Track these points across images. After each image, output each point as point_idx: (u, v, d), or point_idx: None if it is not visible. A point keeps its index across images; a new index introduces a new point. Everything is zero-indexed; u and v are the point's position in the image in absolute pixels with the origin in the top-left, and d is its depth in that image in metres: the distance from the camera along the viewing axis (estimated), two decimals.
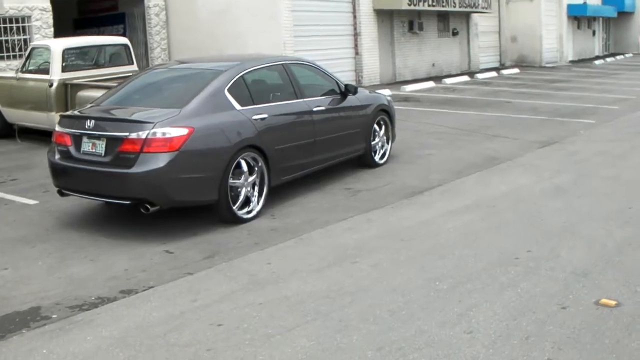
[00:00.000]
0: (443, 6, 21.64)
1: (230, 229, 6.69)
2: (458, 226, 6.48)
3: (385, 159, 9.49)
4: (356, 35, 19.43)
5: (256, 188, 7.07)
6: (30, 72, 11.48)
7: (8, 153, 11.21)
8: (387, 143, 9.56)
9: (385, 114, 9.43)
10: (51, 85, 10.98)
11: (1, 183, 9.18)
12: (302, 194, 7.89)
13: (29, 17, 15.32)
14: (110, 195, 6.53)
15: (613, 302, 4.55)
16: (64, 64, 11.07)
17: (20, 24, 15.29)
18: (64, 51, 11.10)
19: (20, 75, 11.49)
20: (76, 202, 7.57)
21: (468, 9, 23.61)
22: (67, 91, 10.98)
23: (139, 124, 6.29)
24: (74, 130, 6.69)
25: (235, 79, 7.07)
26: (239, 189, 6.85)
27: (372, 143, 9.17)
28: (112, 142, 6.37)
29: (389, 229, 6.53)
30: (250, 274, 5.48)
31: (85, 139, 6.59)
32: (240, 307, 4.80)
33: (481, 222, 6.60)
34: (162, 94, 7.11)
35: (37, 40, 13.40)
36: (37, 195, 8.30)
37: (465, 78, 22.42)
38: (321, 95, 8.36)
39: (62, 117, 7.01)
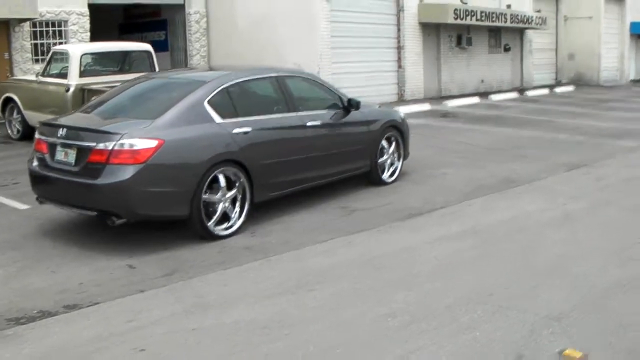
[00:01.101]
0: (493, 21, 20.93)
1: (203, 245, 6.38)
2: (442, 254, 5.98)
3: (394, 177, 9.01)
4: (399, 48, 18.95)
5: (237, 204, 6.72)
6: (51, 76, 11.50)
7: (24, 155, 11.18)
8: (398, 160, 9.08)
9: (395, 130, 8.96)
10: (68, 90, 10.93)
11: (3, 186, 9.14)
12: (292, 212, 7.50)
13: (66, 21, 15.48)
14: (79, 206, 6.32)
15: (578, 355, 3.95)
16: (82, 69, 11.00)
17: (57, 28, 15.43)
18: (82, 56, 11.07)
19: (41, 79, 11.53)
20: (64, 210, 7.38)
21: (521, 25, 22.79)
22: (84, 96, 10.91)
23: (107, 134, 6.06)
24: (49, 138, 6.54)
25: (217, 90, 6.76)
26: (216, 205, 6.52)
27: (380, 160, 8.72)
28: (82, 152, 6.18)
29: (366, 254, 6.08)
30: (199, 295, 5.15)
31: (58, 148, 6.42)
32: (172, 331, 4.50)
33: (469, 251, 6.08)
34: (142, 104, 6.86)
35: (59, 45, 13.42)
36: (31, 201, 8.09)
37: (514, 95, 21.63)
38: (321, 110, 7.97)
39: (41, 124, 6.84)
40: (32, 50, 14.74)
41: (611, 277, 5.30)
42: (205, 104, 6.61)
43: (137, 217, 6.18)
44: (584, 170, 9.89)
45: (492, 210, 7.62)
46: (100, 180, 6.00)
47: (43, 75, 11.56)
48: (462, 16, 19.13)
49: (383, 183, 8.80)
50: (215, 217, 6.52)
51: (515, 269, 5.53)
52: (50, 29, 15.34)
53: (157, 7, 19.35)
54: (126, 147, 5.97)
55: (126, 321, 4.69)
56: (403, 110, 16.49)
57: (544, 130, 13.96)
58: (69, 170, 6.28)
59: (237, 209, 6.74)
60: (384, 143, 8.78)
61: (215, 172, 6.47)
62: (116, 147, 5.96)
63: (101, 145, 6.01)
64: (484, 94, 21.12)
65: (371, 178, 8.71)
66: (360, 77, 17.70)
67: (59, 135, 6.40)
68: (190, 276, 5.61)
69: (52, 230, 6.98)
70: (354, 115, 8.25)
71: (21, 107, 11.86)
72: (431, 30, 19.87)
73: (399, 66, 19.04)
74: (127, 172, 5.94)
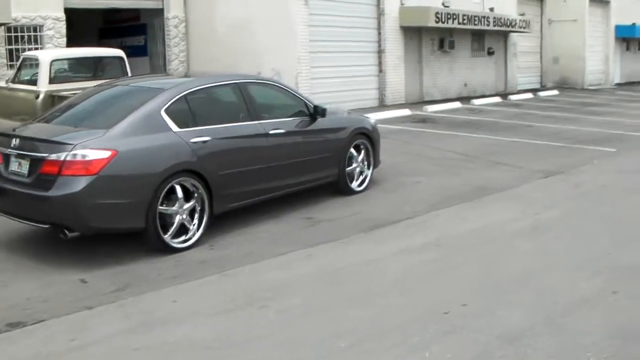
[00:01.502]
0: (475, 24, 20.82)
1: (159, 259, 6.20)
2: (403, 268, 5.82)
3: (364, 186, 8.84)
4: (380, 52, 18.81)
5: (196, 216, 6.54)
6: (22, 82, 11.29)
7: None
8: (368, 169, 8.91)
9: (365, 137, 8.79)
10: (38, 97, 10.72)
11: None
12: (256, 223, 7.32)
13: (42, 26, 15.23)
14: (32, 218, 6.12)
15: None
16: (52, 76, 10.79)
17: (33, 33, 15.20)
18: (52, 62, 10.87)
19: (11, 85, 11.31)
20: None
21: (504, 28, 22.69)
22: (54, 103, 10.69)
23: (59, 145, 5.88)
24: (3, 149, 6.33)
25: (175, 98, 6.58)
26: (173, 217, 6.33)
27: (348, 169, 8.54)
28: (35, 163, 6.01)
29: (326, 267, 5.92)
30: (148, 312, 4.99)
31: (12, 158, 6.24)
32: (112, 351, 4.34)
33: (432, 264, 5.92)
34: (99, 112, 6.66)
35: (30, 51, 13.18)
36: None
37: (497, 99, 21.51)
38: (286, 117, 7.79)
39: None
40: (6, 56, 14.50)
41: (577, 293, 5.13)
42: (162, 112, 6.42)
43: (90, 230, 6.00)
44: (561, 177, 9.76)
45: (461, 220, 7.47)
46: (52, 192, 5.82)
47: (14, 81, 11.37)
48: (443, 19, 19.01)
49: (352, 192, 8.63)
50: (172, 230, 6.34)
51: (477, 284, 5.36)
52: (26, 34, 15.09)
53: (136, 12, 19.14)
54: (78, 158, 5.80)
55: (68, 340, 4.52)
56: (382, 115, 16.39)
57: (524, 136, 13.84)
58: (22, 182, 6.10)
59: (196, 220, 6.56)
60: (353, 151, 8.61)
61: (172, 182, 6.29)
62: (68, 158, 5.78)
63: (53, 156, 5.84)
64: (466, 99, 21.01)
65: (340, 187, 8.54)
66: (340, 81, 17.55)
67: (12, 145, 6.22)
68: (142, 291, 5.44)
69: (8, 242, 6.77)
70: (320, 122, 8.08)
71: None
72: (413, 33, 19.74)
73: (380, 70, 18.90)
74: (79, 184, 5.76)
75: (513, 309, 4.82)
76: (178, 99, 6.62)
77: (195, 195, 6.53)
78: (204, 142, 6.59)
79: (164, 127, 6.37)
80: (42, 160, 5.90)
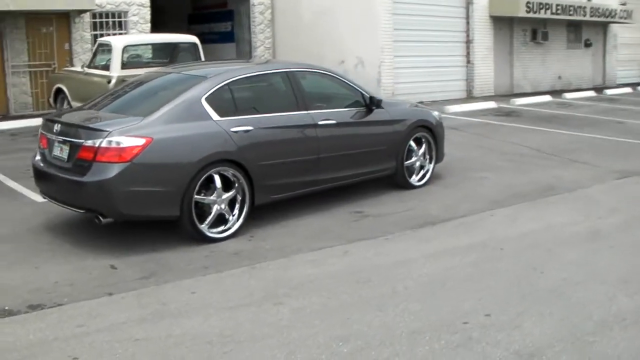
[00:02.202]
0: (570, 15, 19.77)
1: (194, 248, 6.18)
2: (435, 271, 5.52)
3: (424, 180, 8.53)
4: (468, 42, 18.20)
5: (237, 206, 6.47)
6: (96, 67, 11.59)
7: None
8: (430, 163, 8.57)
9: (427, 130, 8.46)
10: (110, 82, 10.98)
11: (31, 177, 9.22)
12: (301, 215, 7.19)
13: (126, 12, 15.64)
14: (69, 203, 6.22)
15: None
16: (124, 61, 11.01)
17: (117, 19, 15.63)
18: (124, 48, 11.08)
19: (87, 70, 11.64)
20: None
21: (603, 19, 21.45)
22: None
23: (95, 131, 5.94)
24: (47, 133, 6.48)
25: (217, 87, 6.51)
26: (210, 206, 6.28)
27: (407, 162, 8.25)
28: (73, 148, 6.11)
29: (357, 265, 5.71)
30: (163, 302, 4.96)
31: (56, 143, 6.35)
32: (115, 340, 4.31)
33: (467, 268, 5.58)
34: (142, 100, 6.68)
35: (104, 37, 13.53)
36: None
37: (591, 94, 20.39)
38: (339, 108, 7.59)
39: (44, 119, 6.80)
40: (92, 42, 14.96)
41: (614, 308, 4.69)
42: (203, 100, 6.37)
43: (122, 217, 6.04)
44: (637, 179, 9.07)
45: (515, 221, 7.05)
46: (86, 178, 5.90)
47: (89, 66, 11.70)
48: (535, 9, 18.14)
49: (411, 187, 8.33)
50: (209, 219, 6.29)
51: (508, 292, 5.01)
52: (110, 20, 15.53)
53: None
54: (112, 145, 5.83)
55: (77, 326, 4.56)
56: (465, 107, 15.90)
57: (612, 133, 13.00)
58: (62, 167, 6.23)
59: (236, 211, 6.49)
60: (413, 144, 8.30)
61: (209, 172, 6.23)
62: (103, 145, 5.83)
63: (89, 142, 5.91)
64: (559, 92, 20.03)
65: (397, 181, 8.26)
66: (425, 72, 17.12)
67: (54, 130, 6.33)
68: (166, 280, 5.43)
69: (56, 226, 6.94)
70: (377, 114, 7.83)
71: (69, 97, 12.03)
72: (503, 24, 18.98)
73: (468, 61, 18.30)
74: (112, 171, 5.80)
75: (539, 323, 4.45)
76: (220, 87, 6.54)
77: (236, 185, 6.45)
78: (246, 131, 6.50)
79: (204, 116, 6.31)
80: (79, 146, 5.99)
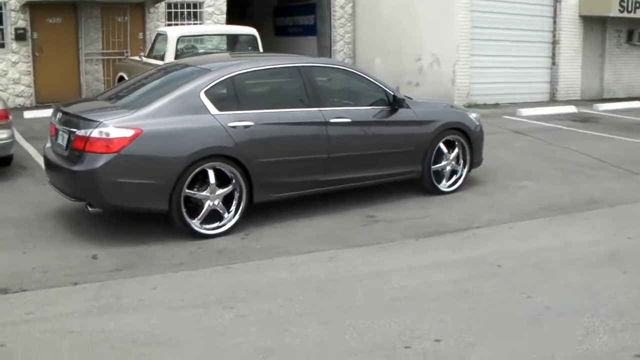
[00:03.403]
0: None
1: (182, 243, 6.12)
2: (411, 286, 5.15)
3: (456, 186, 8.07)
4: (554, 43, 17.23)
5: (234, 202, 6.33)
6: (154, 57, 11.76)
7: None
8: (464, 168, 8.11)
9: (460, 133, 7.98)
10: None
11: None
12: (309, 216, 6.98)
13: (202, 3, 15.82)
14: (64, 191, 6.30)
15: None
16: (178, 52, 11.12)
17: (192, 10, 15.85)
18: (179, 38, 11.19)
19: (145, 59, 11.83)
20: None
21: None
22: None
23: (87, 121, 5.99)
24: (55, 122, 6.60)
25: (218, 80, 6.38)
26: (203, 201, 6.17)
27: (435, 166, 7.82)
28: (70, 137, 6.18)
29: (332, 273, 5.44)
30: (118, 297, 4.94)
31: (60, 132, 6.44)
32: (49, 330, 4.32)
33: (448, 285, 5.17)
34: (144, 92, 6.62)
35: (162, 27, 13.69)
36: None
37: None
38: (359, 106, 7.31)
39: (53, 108, 6.92)
40: None
41: (584, 348, 4.17)
42: (201, 94, 6.26)
43: (108, 207, 6.06)
44: None
45: (532, 237, 6.52)
46: (77, 167, 5.98)
47: (147, 56, 11.88)
48: (630, 9, 16.90)
49: (439, 192, 7.91)
50: (200, 215, 6.18)
51: (477, 317, 4.57)
52: (185, 10, 15.78)
53: None
54: (101, 135, 5.84)
55: (25, 313, 4.60)
56: (541, 111, 15.05)
57: None
58: (62, 155, 6.34)
59: (233, 207, 6.35)
60: (443, 147, 7.86)
61: (202, 166, 6.12)
62: (92, 135, 5.86)
63: (81, 132, 5.95)
64: None
65: (424, 185, 7.86)
66: (504, 72, 16.33)
67: (58, 119, 6.41)
68: (136, 274, 5.43)
69: (64, 213, 6.98)
70: (401, 113, 7.46)
71: None
72: (595, 24, 17.82)
73: (553, 63, 17.32)
74: (100, 161, 5.82)
75: (492, 355, 4.03)
76: (222, 80, 6.42)
77: (233, 181, 6.30)
78: (246, 126, 6.34)
79: (201, 109, 6.21)
80: (74, 134, 6.01)
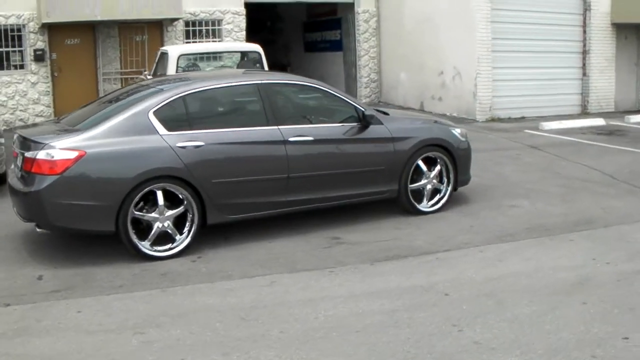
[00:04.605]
0: None
1: (129, 265, 6.08)
2: (338, 315, 4.88)
3: (439, 206, 7.73)
4: (585, 53, 16.60)
5: (187, 224, 6.20)
6: (159, 76, 11.77)
7: None
8: (447, 187, 7.77)
9: (442, 150, 7.66)
10: None
11: None
12: (268, 238, 6.79)
13: (220, 20, 15.86)
14: (17, 212, 6.28)
15: None
16: (178, 70, 11.12)
17: (211, 27, 15.90)
18: (179, 57, 11.20)
19: (148, 77, 11.86)
20: None
21: None
22: None
23: (34, 143, 5.98)
24: (14, 145, 6.59)
25: (168, 100, 6.28)
26: (152, 223, 6.05)
27: (413, 186, 7.51)
28: (22, 160, 6.13)
29: (263, 300, 5.24)
30: (39, 319, 4.89)
31: (18, 154, 6.42)
32: None
33: (379, 315, 4.87)
34: (97, 114, 6.51)
35: (164, 46, 13.74)
36: None
37: None
38: (325, 123, 7.09)
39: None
40: None
41: None
42: (150, 114, 6.17)
43: (54, 228, 6.05)
44: None
45: (500, 261, 6.15)
46: (25, 188, 5.98)
47: (152, 74, 11.91)
48: None
49: (419, 212, 7.59)
50: (150, 236, 6.06)
51: (391, 352, 4.27)
52: (204, 28, 15.84)
53: (334, 6, 19.14)
54: (46, 157, 5.81)
55: None
56: (563, 124, 14.45)
57: None
58: (17, 177, 6.30)
59: (186, 229, 6.22)
60: (422, 165, 7.55)
61: (149, 188, 6.02)
62: (38, 157, 5.85)
63: (29, 154, 5.95)
64: None
65: (402, 205, 7.56)
66: (530, 85, 15.80)
67: (15, 142, 6.42)
68: (69, 296, 5.38)
69: (31, 234, 6.88)
70: (373, 130, 7.19)
71: None
72: (629, 32, 17.09)
73: (584, 74, 16.68)
74: (44, 182, 5.81)
75: None
76: (173, 100, 6.31)
77: (185, 202, 6.17)
78: (196, 147, 6.20)
79: (149, 130, 6.11)
80: (24, 157, 5.99)
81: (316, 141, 6.80)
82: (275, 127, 6.61)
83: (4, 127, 8.41)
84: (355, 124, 7.14)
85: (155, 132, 6.11)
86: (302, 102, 7.26)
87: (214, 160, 6.26)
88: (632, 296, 5.21)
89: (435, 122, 8.22)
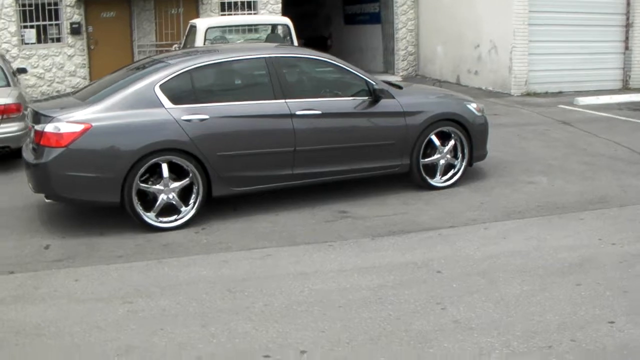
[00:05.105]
0: None
1: (133, 235, 6.24)
2: (325, 290, 4.92)
3: (452, 181, 7.66)
4: (628, 26, 16.05)
5: (192, 196, 6.32)
6: (185, 48, 11.88)
7: None
8: (462, 162, 7.68)
9: (456, 125, 7.55)
10: None
11: None
12: (277, 210, 6.87)
13: None
14: (29, 183, 6.48)
15: None
16: (206, 42, 11.20)
17: (246, 0, 15.90)
18: (207, 30, 11.26)
19: (177, 50, 11.97)
20: None
21: None
22: None
23: (44, 116, 6.15)
24: (28, 119, 6.78)
25: (175, 74, 6.36)
26: (157, 195, 6.18)
27: (426, 160, 7.44)
28: (34, 132, 6.29)
29: (255, 272, 5.32)
30: (37, 287, 5.07)
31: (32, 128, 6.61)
32: None
33: (365, 291, 4.88)
34: (106, 88, 6.61)
35: (195, 19, 13.76)
36: None
37: None
38: (335, 97, 7.07)
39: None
40: None
41: None
42: (156, 88, 6.26)
43: (61, 199, 6.23)
44: None
45: (502, 239, 6.07)
46: (35, 160, 6.14)
47: (182, 47, 12.02)
48: None
49: (431, 187, 7.54)
50: (155, 207, 6.19)
51: (367, 329, 4.29)
52: (239, 0, 15.85)
53: None
54: (53, 130, 5.95)
55: None
56: (602, 100, 14.05)
57: None
58: (29, 150, 6.47)
59: (192, 201, 6.33)
60: (435, 140, 7.47)
61: (154, 160, 6.13)
62: (46, 130, 6.00)
63: (39, 127, 6.12)
64: None
65: (414, 180, 7.53)
66: (568, 59, 15.35)
67: (29, 115, 6.62)
68: (71, 265, 5.57)
69: (48, 204, 7.06)
70: (384, 104, 7.13)
71: None
72: None
73: (626, 48, 16.15)
74: (50, 155, 5.97)
75: None
76: (179, 74, 6.39)
77: (190, 175, 6.27)
78: (201, 120, 6.28)
79: (155, 103, 6.21)
80: (34, 130, 6.16)
81: (324, 115, 6.80)
82: (282, 101, 6.63)
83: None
84: (365, 98, 7.10)
85: (161, 105, 6.21)
86: (311, 76, 7.25)
87: (219, 133, 6.33)
88: (628, 279, 5.10)
89: (450, 96, 8.11)
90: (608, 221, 6.54)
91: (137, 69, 6.93)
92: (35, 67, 14.60)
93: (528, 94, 15.07)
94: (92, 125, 5.94)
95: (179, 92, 6.33)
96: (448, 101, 7.79)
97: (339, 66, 7.15)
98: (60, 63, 14.74)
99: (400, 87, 7.62)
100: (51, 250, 5.84)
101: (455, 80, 16.91)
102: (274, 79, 6.65)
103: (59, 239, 6.13)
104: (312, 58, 7.18)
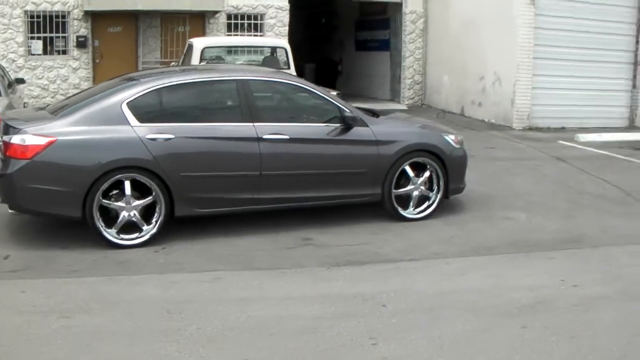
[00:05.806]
0: None
1: (92, 251, 6.27)
2: (264, 317, 4.88)
3: (426, 213, 7.59)
4: (636, 64, 15.96)
5: (155, 215, 6.34)
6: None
7: None
8: (437, 194, 7.62)
9: (431, 156, 7.50)
10: None
11: None
12: (242, 233, 6.86)
13: (263, 14, 15.99)
14: None
15: None
16: (202, 62, 11.31)
17: (253, 21, 16.05)
18: (203, 49, 11.37)
19: (175, 68, 12.09)
20: None
21: None
22: None
23: (11, 128, 6.21)
24: None
25: (142, 92, 6.42)
26: (119, 212, 6.21)
27: (398, 191, 7.39)
28: (3, 143, 6.38)
29: (198, 295, 5.32)
30: None
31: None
32: None
33: (303, 321, 4.84)
34: (78, 103, 6.68)
35: (193, 38, 13.90)
36: None
37: None
38: (306, 123, 7.09)
39: None
40: None
41: None
42: (123, 105, 6.32)
43: (24, 210, 6.32)
44: None
45: (461, 275, 5.98)
46: (1, 171, 6.17)
47: (180, 65, 12.14)
48: None
49: (403, 218, 7.49)
50: (117, 224, 6.23)
51: (290, 359, 4.26)
52: (246, 22, 16.00)
53: (384, 5, 19.00)
54: (19, 142, 6.03)
55: None
56: (606, 137, 13.90)
57: None
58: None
59: (154, 220, 6.36)
60: (409, 171, 7.43)
61: (118, 177, 6.18)
62: (12, 141, 6.06)
63: (6, 138, 6.20)
64: None
65: (386, 210, 7.48)
66: (572, 94, 15.23)
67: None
68: (23, 277, 5.64)
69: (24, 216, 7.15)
70: (356, 132, 7.11)
71: None
72: None
73: (633, 86, 16.04)
74: (16, 166, 6.06)
75: None
76: (147, 92, 6.45)
77: (154, 194, 6.30)
78: (166, 139, 6.32)
79: (121, 120, 6.26)
80: (2, 141, 6.24)
81: (292, 140, 6.80)
82: (250, 124, 6.65)
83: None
84: (337, 124, 7.10)
85: (127, 123, 6.26)
86: (283, 101, 7.27)
87: (183, 153, 6.36)
88: (579, 324, 4.98)
89: (428, 126, 8.08)
90: (578, 261, 6.45)
91: (110, 85, 6.99)
92: (40, 79, 14.83)
93: (530, 128, 14.99)
94: (57, 139, 6.00)
95: (146, 110, 6.38)
96: (424, 132, 7.75)
97: (312, 92, 7.17)
98: (64, 75, 14.96)
99: (377, 115, 7.61)
100: (10, 261, 5.88)
101: (460, 111, 16.88)
102: (243, 102, 6.68)
103: (21, 249, 6.18)
104: (285, 82, 7.21)
